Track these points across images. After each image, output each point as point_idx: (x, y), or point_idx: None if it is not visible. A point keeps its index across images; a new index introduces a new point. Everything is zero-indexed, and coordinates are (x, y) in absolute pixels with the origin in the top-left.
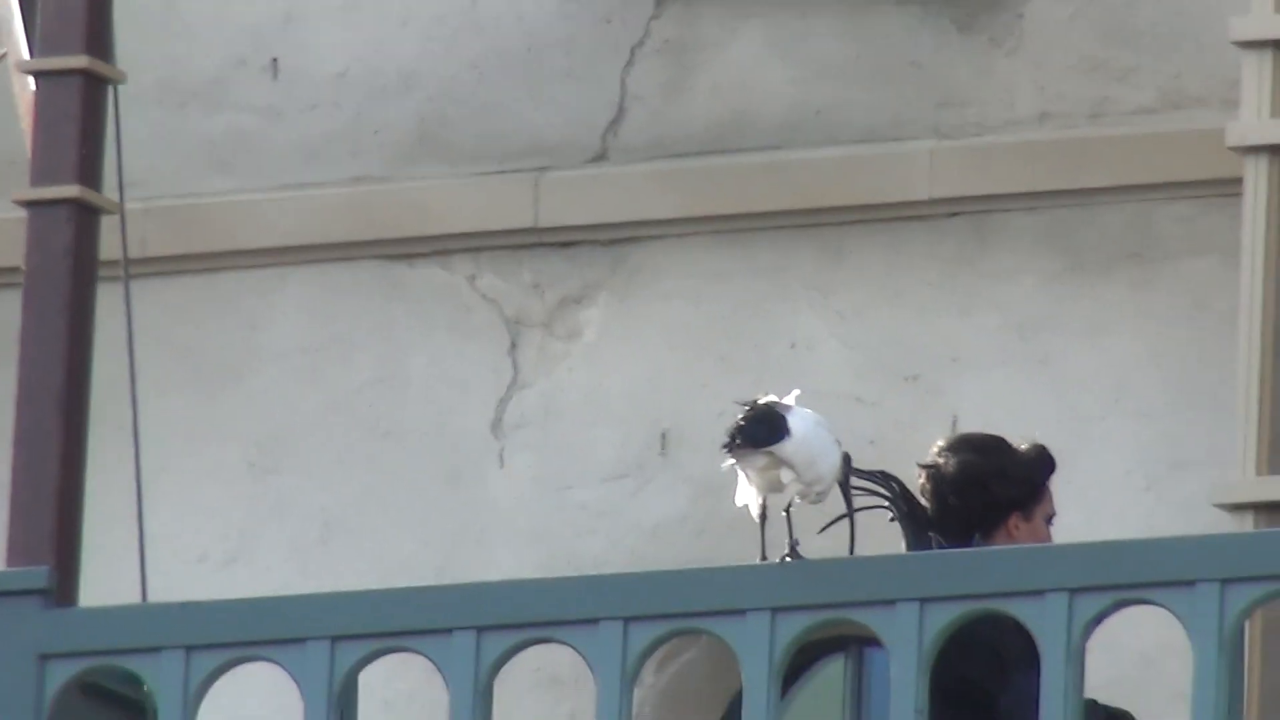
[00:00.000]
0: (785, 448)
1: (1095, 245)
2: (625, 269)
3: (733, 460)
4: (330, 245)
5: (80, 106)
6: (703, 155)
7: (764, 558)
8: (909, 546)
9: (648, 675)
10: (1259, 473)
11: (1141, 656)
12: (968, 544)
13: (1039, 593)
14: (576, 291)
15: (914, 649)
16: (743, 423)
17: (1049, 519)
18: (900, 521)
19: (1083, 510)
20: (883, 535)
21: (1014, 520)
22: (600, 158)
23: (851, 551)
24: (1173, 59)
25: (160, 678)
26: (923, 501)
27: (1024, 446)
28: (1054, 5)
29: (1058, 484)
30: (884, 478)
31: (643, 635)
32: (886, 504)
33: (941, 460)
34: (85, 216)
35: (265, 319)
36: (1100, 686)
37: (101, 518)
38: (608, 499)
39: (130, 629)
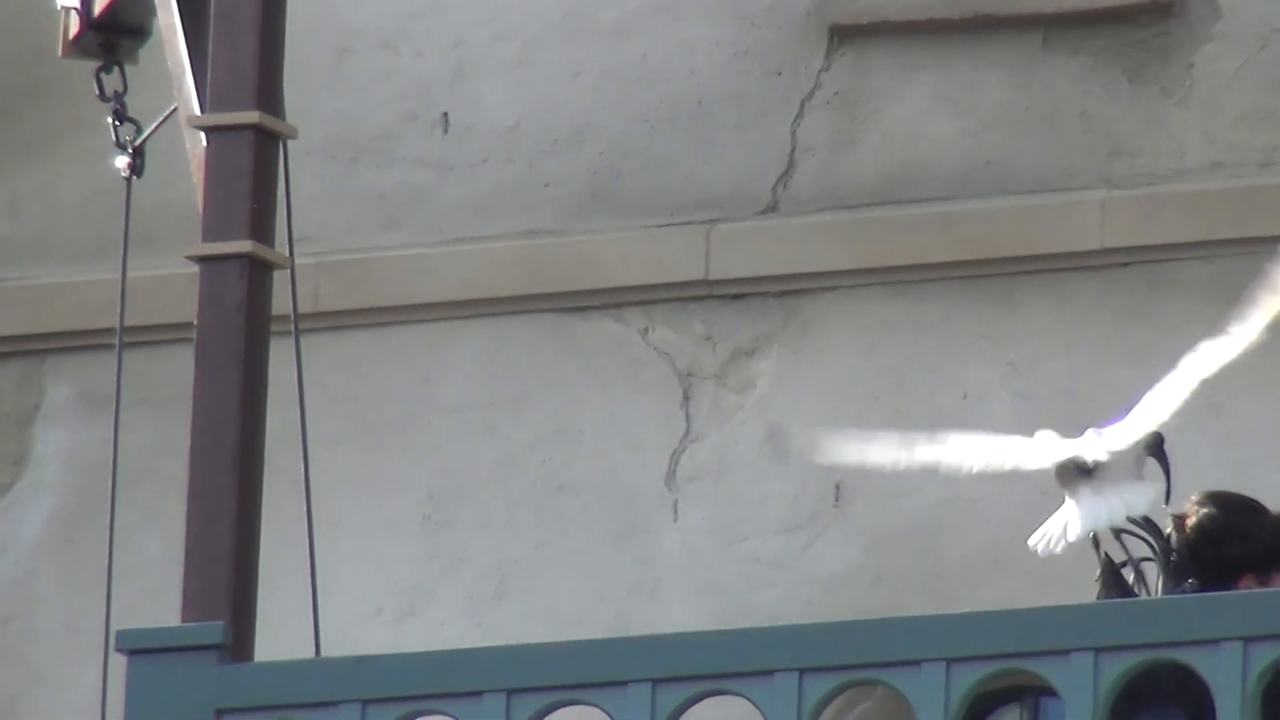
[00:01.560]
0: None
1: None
2: (797, 321)
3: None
4: (502, 299)
5: (252, 161)
6: (873, 206)
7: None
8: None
9: None
10: None
11: None
12: None
13: (1214, 642)
14: (748, 343)
15: (1089, 699)
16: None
17: None
18: (1162, 569)
19: None
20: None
21: (1246, 581)
22: (771, 210)
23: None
24: None
25: None
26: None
27: (1276, 511)
28: (1224, 55)
29: None
30: (1149, 525)
31: (818, 686)
32: (1151, 551)
33: (1189, 511)
34: (257, 271)
35: (437, 373)
36: None
37: (275, 572)
38: (782, 551)
39: (306, 683)
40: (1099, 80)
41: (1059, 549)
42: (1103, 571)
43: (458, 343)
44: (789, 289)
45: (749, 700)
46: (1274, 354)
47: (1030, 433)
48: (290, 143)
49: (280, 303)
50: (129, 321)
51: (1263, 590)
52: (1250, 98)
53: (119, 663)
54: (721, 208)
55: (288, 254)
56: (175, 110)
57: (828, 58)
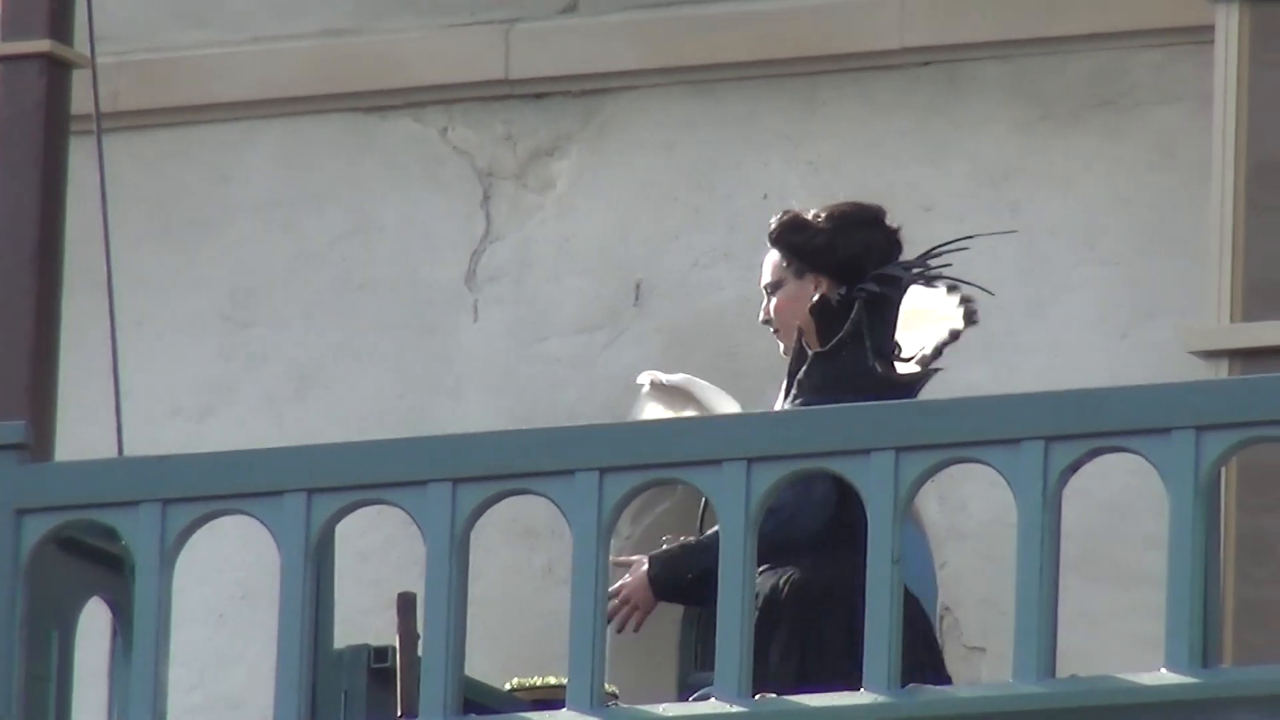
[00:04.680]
0: None
1: (1066, 93)
2: (596, 120)
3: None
4: (302, 98)
5: None
6: (674, 5)
7: None
8: None
9: (624, 527)
10: (1233, 319)
11: (1110, 504)
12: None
13: (1014, 441)
14: (548, 143)
15: (890, 498)
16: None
17: None
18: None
19: (1056, 358)
20: None
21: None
22: (571, 8)
23: None
24: None
25: (136, 531)
26: None
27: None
28: None
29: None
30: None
31: (618, 486)
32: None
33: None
34: (57, 71)
35: (237, 172)
36: (1071, 535)
37: (77, 372)
38: (581, 350)
39: (106, 483)
40: None
41: None
42: None
43: (258, 141)
44: (589, 88)
45: (549, 499)
46: (1073, 151)
47: None
48: None
49: (81, 102)
50: None
51: (1064, 391)
52: None
53: None
54: (521, 6)
55: (88, 53)
56: None
57: None
